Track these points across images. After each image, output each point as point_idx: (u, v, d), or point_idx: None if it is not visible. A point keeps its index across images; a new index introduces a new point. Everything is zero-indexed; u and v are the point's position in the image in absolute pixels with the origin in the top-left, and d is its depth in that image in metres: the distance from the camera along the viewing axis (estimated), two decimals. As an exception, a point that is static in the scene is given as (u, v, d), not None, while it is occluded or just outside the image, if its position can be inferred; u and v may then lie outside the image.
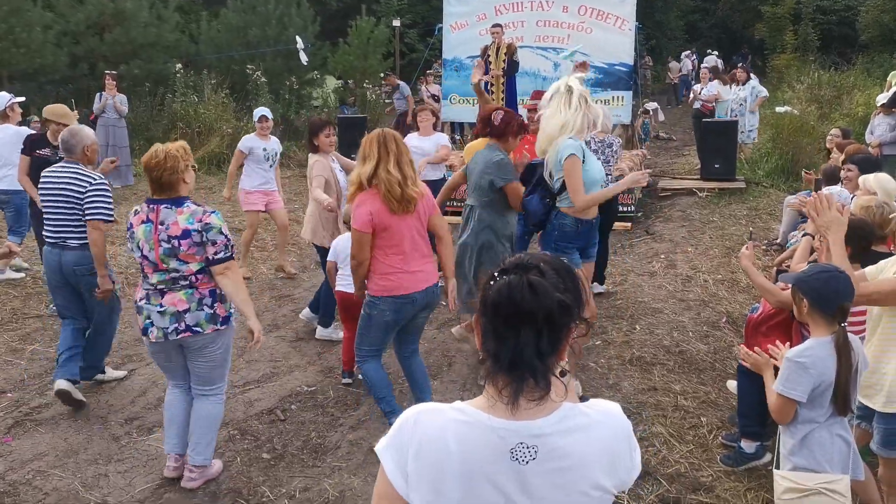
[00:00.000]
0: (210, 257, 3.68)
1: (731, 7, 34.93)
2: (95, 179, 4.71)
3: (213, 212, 3.73)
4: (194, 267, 3.70)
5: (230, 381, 5.21)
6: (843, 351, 2.73)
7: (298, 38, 14.95)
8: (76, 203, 4.66)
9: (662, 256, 8.08)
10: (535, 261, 1.46)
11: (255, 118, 7.60)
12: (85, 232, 4.65)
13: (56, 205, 4.71)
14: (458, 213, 8.64)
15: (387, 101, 18.05)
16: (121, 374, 5.28)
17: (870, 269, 3.22)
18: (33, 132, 7.20)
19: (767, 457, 4.02)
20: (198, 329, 3.72)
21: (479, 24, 12.22)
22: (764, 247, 7.98)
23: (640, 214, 9.92)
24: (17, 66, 14.14)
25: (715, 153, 11.19)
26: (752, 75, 13.40)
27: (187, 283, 3.71)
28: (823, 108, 14.46)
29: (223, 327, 3.80)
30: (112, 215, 4.75)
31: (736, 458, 4.10)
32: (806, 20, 29.42)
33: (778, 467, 2.90)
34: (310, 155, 6.14)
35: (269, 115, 7.64)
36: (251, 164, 7.40)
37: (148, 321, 3.75)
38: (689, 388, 5.03)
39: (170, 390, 4.03)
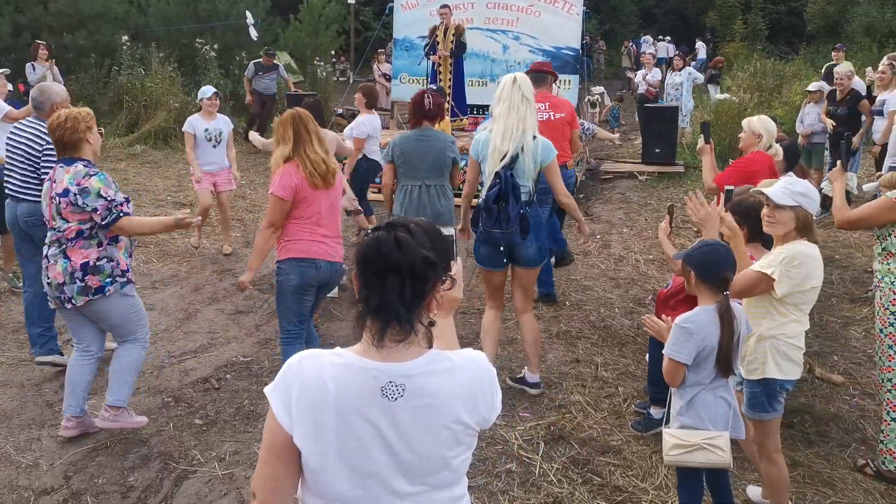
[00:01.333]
0: (99, 223, 3.83)
1: (685, -7, 35.54)
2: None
3: (95, 174, 3.84)
4: (73, 226, 3.83)
5: (167, 352, 5.36)
6: (726, 317, 2.97)
7: (249, 14, 14.84)
8: (33, 159, 4.72)
9: (598, 237, 8.35)
10: (407, 222, 1.65)
11: (199, 97, 7.57)
12: (39, 187, 4.63)
13: (15, 159, 4.79)
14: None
15: (340, 77, 18.05)
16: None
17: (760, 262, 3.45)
18: None
19: (674, 423, 4.28)
20: (74, 302, 3.90)
21: (430, 5, 12.29)
22: (696, 230, 8.30)
23: (580, 196, 10.19)
24: (-44, 33, 13.79)
25: (656, 138, 11.53)
26: (691, 62, 13.80)
27: (63, 250, 3.87)
28: (763, 97, 14.89)
29: (96, 297, 3.92)
30: None
31: (645, 423, 4.36)
32: (756, 10, 30.10)
33: (668, 426, 3.15)
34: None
35: (209, 94, 7.44)
36: (198, 144, 7.36)
37: (42, 290, 4.09)
38: (609, 361, 5.29)
39: (73, 354, 4.17)
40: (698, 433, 3.01)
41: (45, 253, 3.97)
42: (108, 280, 3.94)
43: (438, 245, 1.64)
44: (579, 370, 5.13)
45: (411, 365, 1.62)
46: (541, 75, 6.11)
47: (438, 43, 10.56)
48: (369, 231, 1.67)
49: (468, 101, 11.31)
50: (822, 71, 12.59)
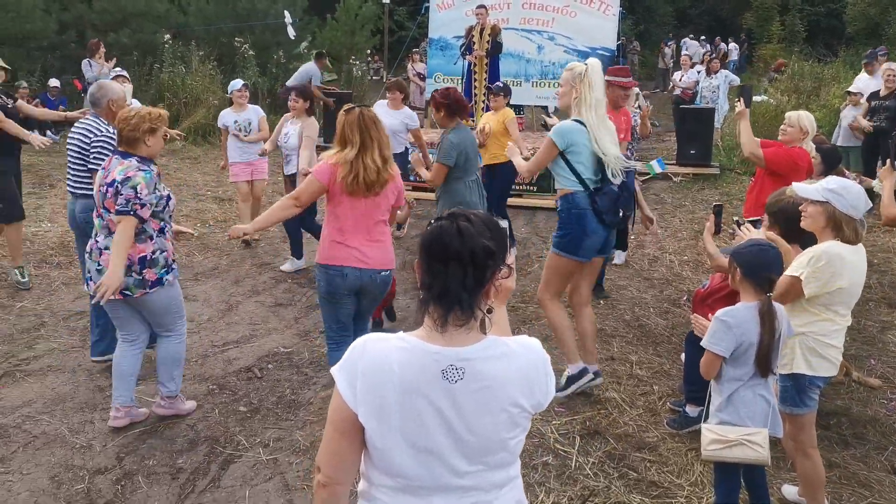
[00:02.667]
0: (115, 207, 3.87)
1: (721, -6, 35.21)
2: (101, 132, 4.78)
3: (144, 171, 3.89)
4: (115, 218, 3.89)
5: (211, 341, 5.51)
6: (767, 317, 3.02)
7: (287, 13, 15.06)
8: (84, 153, 4.81)
9: (632, 237, 8.36)
10: (467, 213, 1.74)
11: (229, 91, 7.95)
12: (90, 181, 4.77)
13: (72, 156, 4.89)
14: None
15: (374, 77, 18.20)
16: None
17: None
18: None
19: (710, 421, 4.32)
20: (127, 293, 3.97)
21: (465, 5, 12.38)
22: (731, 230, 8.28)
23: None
24: (5, 31, 14.19)
25: (692, 139, 11.51)
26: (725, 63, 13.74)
27: None
28: (801, 99, 14.75)
29: (153, 290, 4.02)
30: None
31: (681, 421, 4.41)
32: (794, 11, 29.70)
33: (707, 422, 3.20)
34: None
35: (238, 86, 7.84)
36: (231, 137, 7.74)
37: (88, 275, 4.09)
38: (644, 359, 5.33)
39: (118, 345, 4.25)
40: (737, 429, 3.06)
41: (95, 239, 4.04)
42: (164, 271, 4.06)
43: (496, 235, 1.72)
44: (614, 368, 5.18)
45: (471, 349, 1.70)
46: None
47: (474, 43, 10.64)
48: (432, 221, 1.76)
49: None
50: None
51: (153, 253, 4.00)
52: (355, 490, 1.85)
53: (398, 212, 4.42)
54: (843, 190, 3.32)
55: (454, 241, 1.67)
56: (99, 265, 3.99)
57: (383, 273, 4.11)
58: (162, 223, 4.06)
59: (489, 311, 1.75)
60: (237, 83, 7.91)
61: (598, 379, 4.78)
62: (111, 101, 4.84)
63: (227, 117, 7.75)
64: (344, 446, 1.73)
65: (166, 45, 14.53)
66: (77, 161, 4.88)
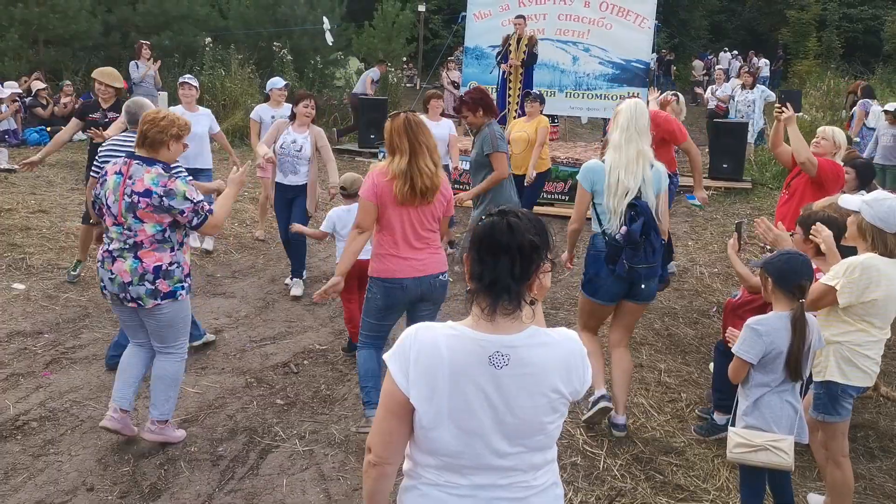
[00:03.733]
0: (187, 224, 3.81)
1: (757, 9, 34.99)
2: None
3: (178, 176, 3.82)
4: (149, 229, 3.75)
5: (248, 336, 5.67)
6: (798, 325, 3.10)
7: (325, 19, 15.34)
8: None
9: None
10: (515, 210, 1.88)
11: (269, 88, 8.05)
12: None
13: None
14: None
15: (407, 84, 18.42)
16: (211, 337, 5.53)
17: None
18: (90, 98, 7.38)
19: (737, 429, 4.38)
20: (140, 303, 3.83)
21: (502, 14, 12.53)
22: (761, 245, 8.30)
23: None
24: (53, 31, 14.62)
25: (724, 153, 11.52)
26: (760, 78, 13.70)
27: (134, 251, 3.77)
28: (836, 116, 14.67)
29: (164, 301, 3.85)
30: None
31: (708, 428, 4.47)
32: (831, 27, 29.46)
33: (734, 426, 3.28)
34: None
35: (280, 84, 7.99)
36: (263, 133, 7.69)
37: (102, 284, 3.91)
38: (673, 368, 5.40)
39: (130, 345, 4.15)
40: (763, 434, 3.14)
41: (107, 246, 3.86)
42: (178, 285, 3.89)
43: (541, 231, 1.85)
44: (643, 375, 5.25)
45: (516, 337, 1.82)
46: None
47: (511, 52, 10.77)
48: (483, 218, 1.88)
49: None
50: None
51: (169, 265, 3.84)
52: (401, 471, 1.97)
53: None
54: (874, 201, 3.39)
55: (504, 236, 1.80)
56: (112, 274, 3.81)
57: (441, 277, 4.09)
58: (184, 235, 3.95)
59: (532, 303, 1.87)
60: (279, 81, 8.04)
61: (620, 432, 4.40)
62: None
63: (263, 112, 7.83)
64: (395, 427, 1.85)
65: (207, 49, 14.85)
66: None
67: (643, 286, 4.25)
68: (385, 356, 1.89)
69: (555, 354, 1.86)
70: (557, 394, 1.85)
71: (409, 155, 3.84)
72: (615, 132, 4.25)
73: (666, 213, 4.40)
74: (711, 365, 5.32)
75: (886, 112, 9.37)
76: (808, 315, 3.21)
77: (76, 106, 12.37)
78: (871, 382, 3.63)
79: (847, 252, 3.71)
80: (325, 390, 4.90)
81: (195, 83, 7.53)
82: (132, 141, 4.84)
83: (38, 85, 13.66)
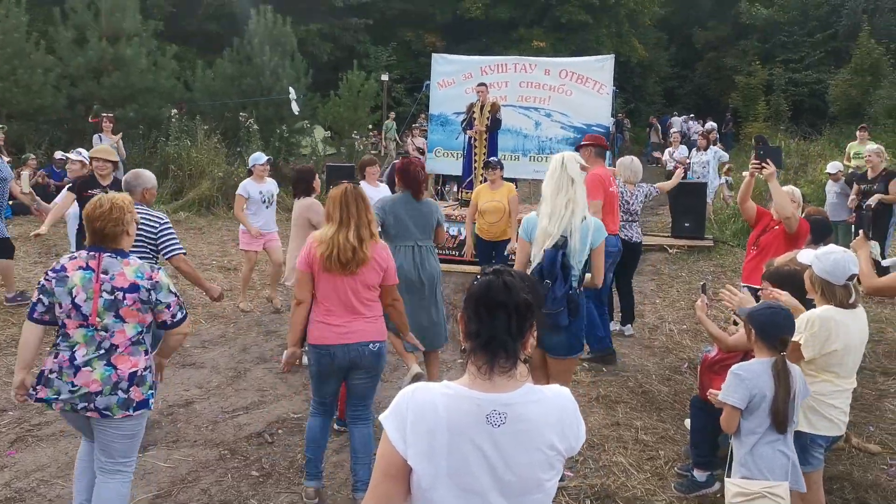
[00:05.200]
0: (168, 321, 3.49)
1: (707, 75, 36.41)
2: (162, 219, 4.97)
3: (159, 268, 3.55)
4: (129, 329, 3.40)
5: (220, 407, 5.57)
6: (781, 375, 3.19)
7: (291, 89, 15.56)
8: (151, 242, 4.90)
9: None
10: (508, 270, 1.94)
11: (251, 164, 8.06)
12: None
13: (135, 244, 4.81)
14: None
15: (372, 151, 18.65)
16: None
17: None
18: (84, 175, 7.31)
19: (717, 485, 4.39)
20: (107, 413, 3.37)
21: (466, 83, 12.84)
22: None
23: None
24: (17, 105, 14.61)
25: (685, 212, 11.82)
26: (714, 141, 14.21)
27: (107, 357, 3.38)
28: (788, 175, 15.19)
29: (136, 412, 3.43)
30: (183, 248, 5.02)
31: (688, 485, 4.48)
32: (778, 91, 30.73)
33: (729, 476, 3.33)
34: (303, 199, 6.50)
35: (262, 160, 8.06)
36: (251, 206, 7.90)
37: (55, 395, 3.36)
38: (649, 425, 5.42)
39: (84, 443, 3.74)
40: (759, 482, 3.20)
41: (65, 355, 3.37)
42: (150, 392, 3.50)
43: (533, 290, 1.89)
44: (620, 433, 5.26)
45: (512, 395, 1.85)
46: (602, 149, 6.54)
47: (475, 118, 11.02)
48: (478, 277, 1.94)
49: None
50: (847, 151, 12.87)
51: (143, 369, 3.46)
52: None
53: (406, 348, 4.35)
54: (822, 255, 3.58)
55: (501, 294, 1.85)
56: (73, 387, 3.33)
57: (371, 346, 4.03)
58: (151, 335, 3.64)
59: (526, 360, 1.90)
60: (261, 157, 8.08)
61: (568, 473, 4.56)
62: (145, 190, 5.07)
63: (251, 187, 7.86)
64: (392, 490, 1.85)
65: (172, 120, 14.93)
66: (143, 249, 4.81)
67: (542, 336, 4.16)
68: (381, 417, 1.89)
69: (548, 410, 1.88)
70: (553, 450, 1.87)
71: (337, 225, 3.95)
72: (546, 183, 4.29)
73: (600, 270, 4.33)
74: (687, 421, 5.36)
75: (829, 174, 9.75)
76: (791, 364, 3.30)
77: (40, 180, 12.38)
78: (841, 432, 3.71)
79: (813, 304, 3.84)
80: (302, 459, 4.80)
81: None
82: (143, 213, 4.82)
83: (-2, 158, 13.57)
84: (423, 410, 1.83)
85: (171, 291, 3.48)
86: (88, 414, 3.37)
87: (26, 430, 5.07)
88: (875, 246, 8.86)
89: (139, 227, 4.72)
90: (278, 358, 6.66)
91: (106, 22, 15.61)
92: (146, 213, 4.96)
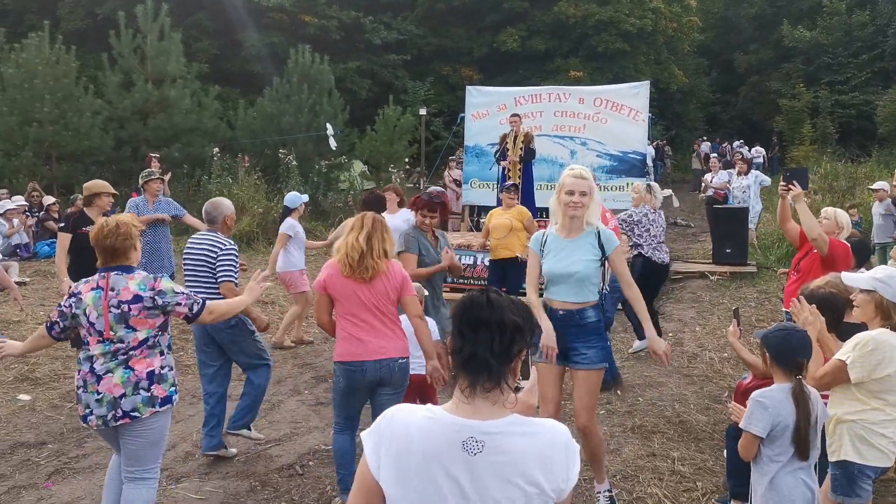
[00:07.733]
0: (188, 314, 3.74)
1: (751, 99, 35.93)
2: (226, 245, 5.05)
3: (161, 276, 3.75)
4: (141, 335, 3.64)
5: (254, 440, 5.58)
6: (801, 400, 3.06)
7: (329, 125, 15.82)
8: (210, 267, 5.01)
9: (670, 335, 8.37)
10: (497, 290, 1.90)
11: (297, 203, 7.98)
12: (218, 291, 4.94)
13: (196, 268, 5.05)
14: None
15: (408, 185, 18.76)
16: (259, 436, 5.53)
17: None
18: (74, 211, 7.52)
19: (756, 517, 4.24)
20: (136, 414, 3.62)
21: (500, 114, 12.92)
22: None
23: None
24: (65, 147, 15.14)
25: (726, 238, 11.59)
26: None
27: (125, 360, 3.62)
28: (836, 198, 14.83)
29: (162, 408, 3.70)
30: (236, 278, 5.07)
31: (726, 518, 4.33)
32: (824, 113, 30.11)
33: (751, 509, 3.20)
34: None
35: (306, 200, 8.22)
36: (295, 244, 7.85)
37: (87, 410, 3.65)
38: (686, 455, 5.27)
39: (114, 456, 3.99)
40: (782, 514, 3.05)
41: (85, 368, 3.66)
42: (173, 389, 3.76)
43: (524, 315, 1.85)
44: (655, 464, 5.12)
45: (494, 423, 1.79)
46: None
47: (508, 149, 11.05)
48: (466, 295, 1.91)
49: (536, 205, 11.64)
50: (895, 172, 12.54)
51: (161, 368, 3.72)
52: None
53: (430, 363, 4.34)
54: (888, 279, 3.42)
55: (484, 310, 1.81)
56: (99, 395, 3.61)
57: (401, 361, 4.20)
58: (169, 337, 3.86)
59: (516, 389, 1.85)
60: (304, 197, 8.16)
61: (607, 494, 4.51)
62: (226, 217, 5.18)
63: (297, 227, 7.90)
64: None
65: (214, 158, 15.29)
66: (202, 273, 5.03)
67: (572, 345, 4.18)
68: (362, 434, 1.87)
69: (534, 444, 1.79)
70: (535, 487, 1.77)
71: (348, 231, 4.21)
72: (553, 200, 4.33)
73: (623, 277, 4.32)
74: (726, 451, 5.20)
75: (873, 190, 9.49)
76: (809, 388, 3.18)
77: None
78: (890, 463, 3.54)
79: (850, 328, 3.69)
80: (331, 491, 4.78)
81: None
82: (209, 238, 5.04)
83: (49, 199, 14.03)
84: (398, 431, 1.79)
85: (176, 292, 3.71)
86: (119, 422, 3.62)
87: (64, 462, 5.15)
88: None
89: (207, 252, 4.94)
90: (313, 391, 6.69)
91: (151, 65, 16.14)
92: (214, 239, 5.05)
